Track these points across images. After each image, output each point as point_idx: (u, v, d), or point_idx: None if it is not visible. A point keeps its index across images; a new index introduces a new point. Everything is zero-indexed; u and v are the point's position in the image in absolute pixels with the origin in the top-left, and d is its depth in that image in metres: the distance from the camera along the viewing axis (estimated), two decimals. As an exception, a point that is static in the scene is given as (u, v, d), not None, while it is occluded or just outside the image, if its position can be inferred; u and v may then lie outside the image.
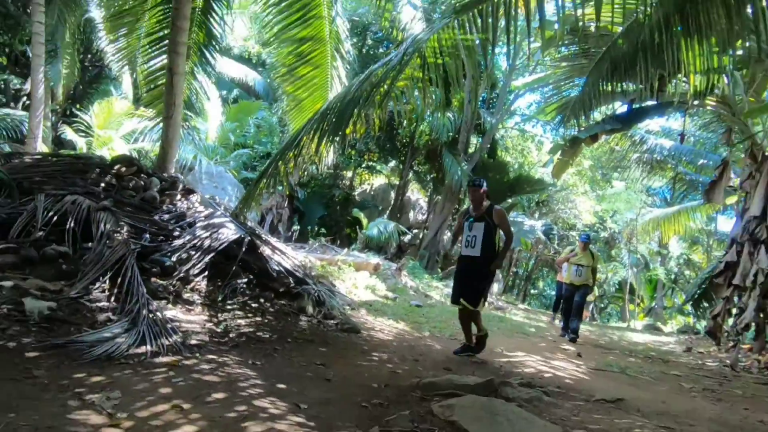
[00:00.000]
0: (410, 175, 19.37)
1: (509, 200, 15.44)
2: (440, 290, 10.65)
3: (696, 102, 6.97)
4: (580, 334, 8.79)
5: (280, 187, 15.29)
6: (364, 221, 14.12)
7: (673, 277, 24.01)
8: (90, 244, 4.16)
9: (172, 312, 3.91)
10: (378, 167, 19.67)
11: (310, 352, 3.90)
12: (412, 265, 12.22)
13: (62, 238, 4.11)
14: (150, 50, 7.24)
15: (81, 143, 12.60)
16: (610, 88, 6.49)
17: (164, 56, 6.73)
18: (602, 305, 31.72)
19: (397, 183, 19.13)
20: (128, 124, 12.82)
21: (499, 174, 15.01)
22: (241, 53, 18.90)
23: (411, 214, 22.34)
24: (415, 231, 19.40)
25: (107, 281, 3.80)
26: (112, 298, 3.66)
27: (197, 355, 3.24)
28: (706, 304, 10.15)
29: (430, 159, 17.35)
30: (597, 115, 7.76)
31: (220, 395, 2.64)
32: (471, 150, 15.84)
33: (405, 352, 4.47)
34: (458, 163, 13.90)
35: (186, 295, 4.31)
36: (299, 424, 2.45)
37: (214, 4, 7.09)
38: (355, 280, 7.39)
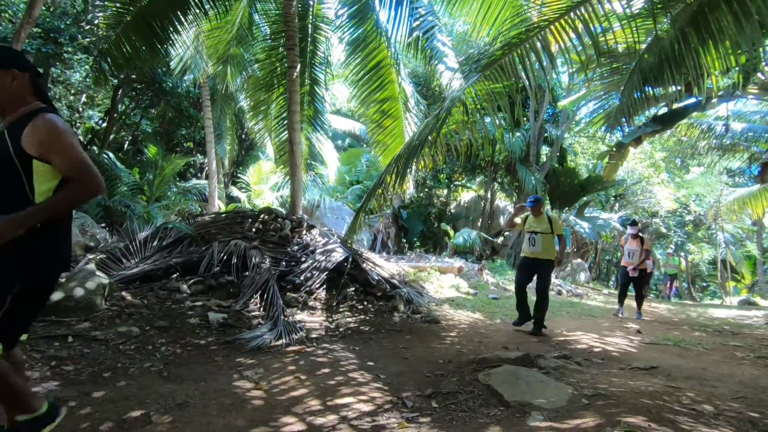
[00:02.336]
0: (495, 186, 19.16)
1: (584, 199, 14.60)
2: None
3: (737, 92, 6.29)
4: (652, 311, 8.18)
5: (388, 210, 16.23)
6: (451, 232, 14.32)
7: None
8: (246, 273, 5.12)
9: (300, 316, 4.69)
10: (467, 183, 19.76)
11: (397, 339, 4.41)
12: (498, 264, 12.16)
13: (230, 270, 5.13)
14: (278, 128, 8.42)
15: (243, 197, 14.61)
16: (644, 96, 6.22)
17: (286, 132, 7.82)
18: (704, 284, 27.87)
19: (484, 195, 19.06)
20: (273, 178, 14.59)
21: (569, 178, 14.30)
22: (346, 111, 20.35)
23: (501, 219, 21.95)
24: (507, 233, 19.05)
25: (258, 297, 4.69)
26: (261, 309, 4.52)
27: (315, 344, 3.93)
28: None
29: (509, 172, 17.07)
30: (639, 120, 7.32)
31: (326, 370, 3.27)
32: (543, 160, 15.31)
33: (473, 336, 4.76)
34: (531, 173, 13.59)
35: (310, 303, 5.08)
36: (377, 388, 2.97)
37: (316, 89, 8.11)
38: (441, 281, 7.74)
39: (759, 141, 12.21)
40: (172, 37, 6.33)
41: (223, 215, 6.90)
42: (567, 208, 15.20)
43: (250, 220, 6.42)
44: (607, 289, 14.89)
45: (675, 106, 6.81)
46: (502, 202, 22.47)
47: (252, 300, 4.62)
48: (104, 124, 13.32)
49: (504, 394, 2.69)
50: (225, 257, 5.20)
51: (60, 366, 2.80)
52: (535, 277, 5.33)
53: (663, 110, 7.14)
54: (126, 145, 15.69)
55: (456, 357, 3.85)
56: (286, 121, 7.90)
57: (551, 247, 5.22)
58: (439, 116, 4.80)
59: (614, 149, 7.60)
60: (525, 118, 14.28)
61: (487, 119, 6.10)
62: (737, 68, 5.34)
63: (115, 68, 6.57)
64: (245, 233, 6.00)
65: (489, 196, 18.59)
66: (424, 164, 6.31)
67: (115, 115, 12.76)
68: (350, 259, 5.80)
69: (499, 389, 2.77)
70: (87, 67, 10.13)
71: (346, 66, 7.70)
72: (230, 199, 15.37)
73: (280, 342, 3.80)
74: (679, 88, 5.78)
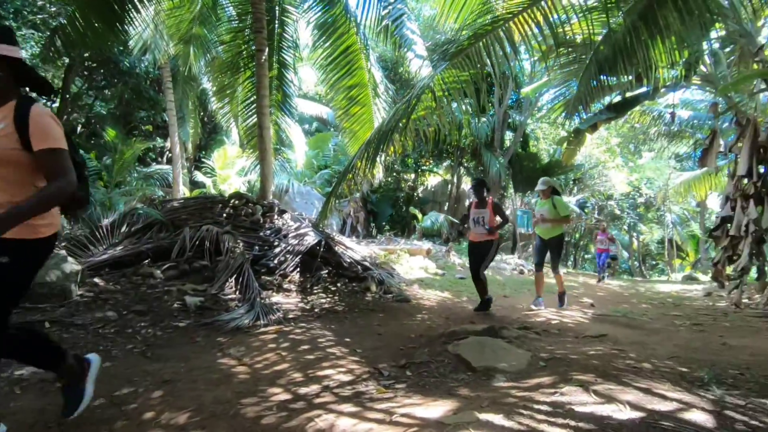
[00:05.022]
0: (461, 171, 19.64)
1: (545, 182, 15.25)
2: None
3: (682, 82, 6.81)
4: (606, 288, 8.80)
5: (357, 195, 16.35)
6: (419, 216, 14.67)
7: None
8: (220, 258, 5.17)
9: (276, 298, 4.82)
10: (434, 168, 20.13)
11: (371, 318, 4.63)
12: (464, 246, 12.59)
13: (203, 255, 5.16)
14: (245, 112, 8.32)
15: (208, 182, 14.30)
16: (599, 85, 6.61)
17: (255, 116, 7.75)
18: (653, 262, 29.81)
19: (451, 179, 19.53)
20: (239, 162, 14.30)
21: (531, 163, 14.92)
22: (314, 95, 20.10)
23: (467, 203, 22.57)
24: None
25: (233, 281, 4.77)
26: (237, 292, 4.61)
27: (292, 324, 4.08)
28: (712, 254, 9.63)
29: (475, 156, 17.55)
30: (596, 108, 7.77)
31: (306, 347, 3.44)
32: (507, 145, 15.82)
33: (442, 313, 5.06)
34: (495, 158, 14.05)
35: (285, 286, 5.21)
36: (355, 361, 3.17)
37: (285, 73, 8.06)
38: (410, 263, 8.03)
39: (702, 128, 13.09)
40: (131, 15, 6.11)
41: (192, 201, 6.84)
42: (529, 192, 15.83)
43: (220, 205, 6.41)
44: (564, 269, 15.72)
45: (628, 94, 7.28)
46: (468, 186, 23.08)
47: (227, 284, 4.69)
48: (55, 105, 12.63)
49: (471, 361, 2.96)
50: (197, 242, 5.22)
51: (40, 350, 2.83)
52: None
53: (617, 99, 7.61)
54: (79, 128, 14.93)
55: (427, 332, 4.11)
56: (254, 106, 7.82)
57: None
58: (409, 103, 4.95)
59: (572, 135, 8.04)
60: (490, 105, 14.68)
61: (454, 105, 6.33)
62: (682, 61, 5.77)
63: (69, 46, 6.29)
64: (216, 218, 6.00)
65: (455, 180, 19.07)
66: (395, 149, 6.49)
67: (68, 96, 12.10)
68: (323, 243, 5.94)
69: (467, 357, 3.04)
70: (33, 43, 9.57)
71: (314, 50, 7.67)
72: (195, 184, 15.01)
73: (258, 323, 3.93)
74: (631, 78, 6.20)
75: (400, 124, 4.93)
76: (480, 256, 5.28)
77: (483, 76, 5.20)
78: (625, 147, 18.86)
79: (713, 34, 6.66)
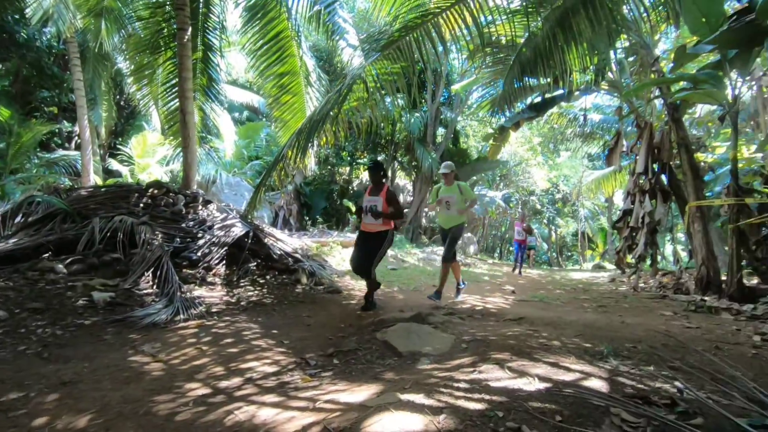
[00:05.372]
0: (395, 165, 19.92)
1: (473, 178, 15.97)
2: (416, 256, 11.30)
3: (593, 87, 7.46)
4: (526, 276, 9.40)
5: (290, 187, 15.95)
6: (353, 208, 14.71)
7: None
8: (135, 251, 4.78)
9: (199, 291, 4.57)
10: (368, 162, 20.24)
11: (300, 309, 4.55)
12: (398, 238, 12.83)
13: (115, 248, 4.74)
14: (166, 96, 7.74)
15: (125, 171, 13.17)
16: (522, 85, 7.02)
17: (177, 100, 7.24)
18: (569, 253, 32.50)
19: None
20: (161, 150, 13.29)
21: (462, 158, 15.52)
22: (244, 82, 19.26)
23: (401, 197, 23.00)
24: (406, 210, 20.06)
25: (150, 275, 4.44)
26: (155, 286, 4.30)
27: (216, 318, 3.90)
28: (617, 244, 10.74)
29: (408, 151, 17.86)
30: (520, 107, 8.26)
31: (229, 340, 3.30)
32: (439, 141, 16.30)
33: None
34: (428, 153, 14.42)
35: (209, 279, 4.95)
36: (281, 352, 3.10)
37: (210, 56, 7.61)
38: (343, 255, 8.00)
39: (610, 130, 14.41)
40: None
41: (104, 189, 6.25)
42: (459, 186, 16.43)
43: (137, 194, 5.93)
44: (491, 259, 16.63)
45: (547, 96, 7.81)
46: (402, 180, 23.50)
47: (143, 278, 4.36)
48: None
49: (398, 346, 3.03)
50: (108, 234, 4.79)
51: None
52: None
53: (537, 99, 8.13)
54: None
55: (356, 321, 4.12)
56: (176, 89, 7.33)
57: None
58: (340, 92, 4.91)
59: (498, 132, 8.49)
60: (423, 100, 15.00)
61: (388, 99, 6.40)
62: (592, 67, 6.29)
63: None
64: (131, 208, 5.55)
65: (390, 174, 19.29)
66: (327, 140, 6.41)
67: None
68: (251, 234, 5.72)
69: (394, 343, 3.10)
70: None
71: (243, 34, 7.32)
72: (109, 173, 13.76)
73: (178, 318, 3.70)
74: (549, 80, 6.65)
75: (332, 114, 4.87)
76: (370, 249, 4.56)
77: (414, 71, 5.28)
78: (546, 146, 20.30)
79: (619, 45, 7.33)
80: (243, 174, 15.09)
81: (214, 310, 4.13)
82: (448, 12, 4.88)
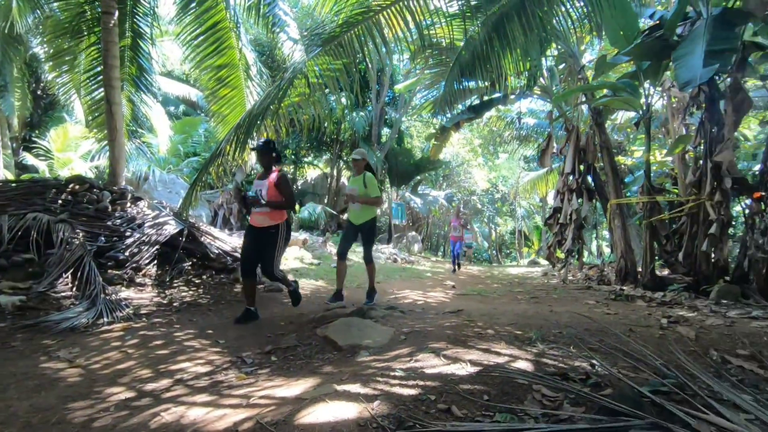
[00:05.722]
0: (340, 164, 19.83)
1: (417, 177, 16.30)
2: (359, 254, 11.29)
3: (527, 91, 7.92)
4: (467, 272, 9.71)
5: (230, 185, 15.33)
6: (297, 207, 14.48)
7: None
8: (52, 250, 4.39)
9: (127, 293, 4.28)
10: (313, 161, 19.96)
11: (239, 309, 4.35)
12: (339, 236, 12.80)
13: (28, 247, 4.31)
14: (90, 84, 7.18)
15: (42, 166, 12.02)
16: (462, 87, 7.28)
17: (102, 89, 6.72)
18: (507, 251, 34.14)
19: (330, 172, 19.60)
20: (85, 144, 12.25)
21: (406, 158, 15.78)
22: (180, 74, 18.27)
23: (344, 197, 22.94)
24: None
25: (69, 276, 4.09)
26: (74, 289, 3.97)
27: (145, 320, 3.67)
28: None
29: (353, 150, 17.89)
30: (461, 108, 8.57)
31: (159, 342, 3.12)
32: (384, 140, 16.46)
33: (315, 300, 5.05)
34: (373, 152, 14.51)
35: (138, 280, 4.65)
36: (216, 352, 2.98)
37: (140, 43, 7.15)
38: (285, 253, 7.85)
39: (543, 134, 15.30)
40: None
41: (14, 184, 5.68)
42: (404, 185, 16.72)
43: (54, 190, 5.44)
44: (435, 257, 17.04)
45: (485, 98, 8.15)
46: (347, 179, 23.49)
47: (61, 280, 4.01)
48: None
49: (338, 340, 3.02)
50: (20, 232, 4.35)
51: None
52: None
53: (477, 101, 8.47)
54: None
55: (297, 319, 4.05)
56: (100, 77, 6.80)
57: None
58: (281, 87, 4.81)
59: (439, 132, 8.73)
60: (368, 100, 15.08)
61: (332, 97, 6.36)
62: (526, 72, 6.66)
63: None
64: (48, 205, 5.08)
65: (335, 173, 19.18)
66: (267, 135, 6.25)
67: None
68: (185, 233, 5.45)
69: (334, 337, 3.08)
70: None
71: (178, 22, 6.94)
72: (23, 168, 12.49)
73: (100, 321, 3.44)
74: (487, 83, 6.95)
75: (272, 108, 4.76)
76: (261, 246, 3.86)
77: (357, 68, 5.29)
78: (486, 148, 21.15)
79: (549, 53, 7.82)
80: (179, 171, 14.28)
81: (143, 312, 3.89)
82: (389, 10, 4.93)
